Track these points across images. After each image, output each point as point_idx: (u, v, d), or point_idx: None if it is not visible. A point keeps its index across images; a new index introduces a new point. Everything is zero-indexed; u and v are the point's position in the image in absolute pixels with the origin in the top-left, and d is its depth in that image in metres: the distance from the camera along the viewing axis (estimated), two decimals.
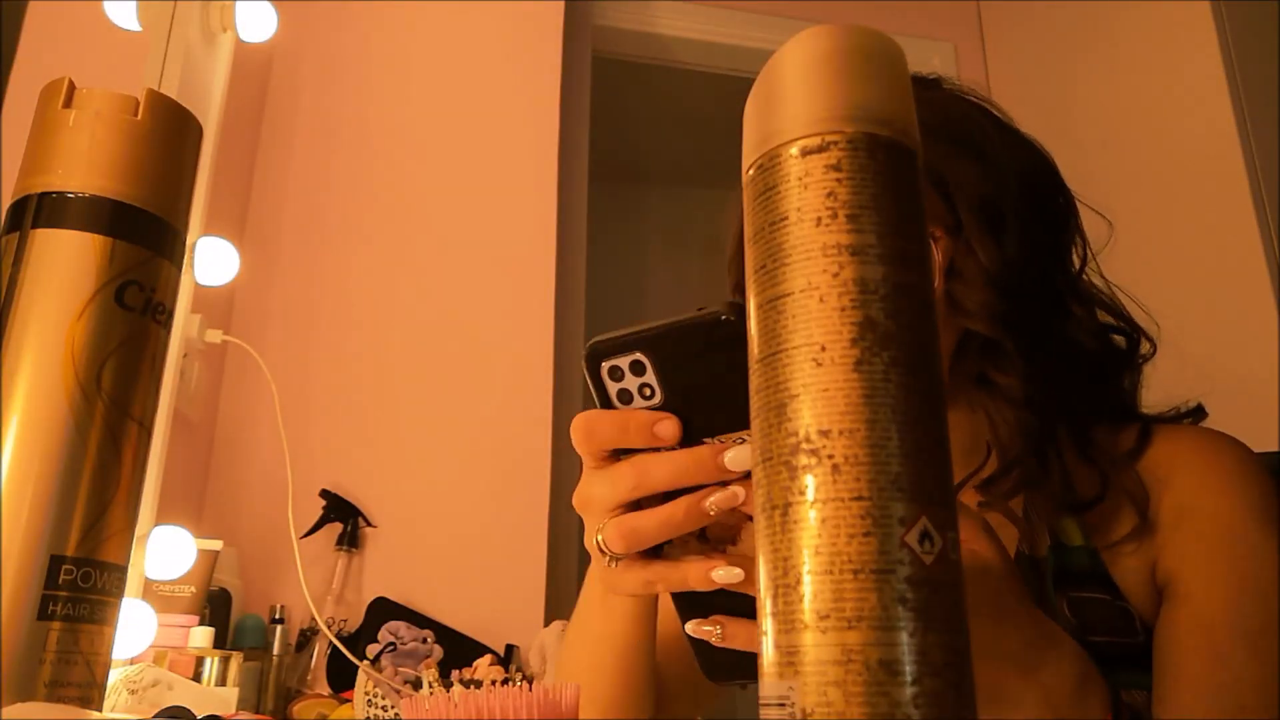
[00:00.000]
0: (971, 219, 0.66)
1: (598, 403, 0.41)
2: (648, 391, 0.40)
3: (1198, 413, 0.71)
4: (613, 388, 0.40)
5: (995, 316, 0.65)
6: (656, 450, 0.40)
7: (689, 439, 0.40)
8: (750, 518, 0.40)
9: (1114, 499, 0.64)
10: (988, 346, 0.67)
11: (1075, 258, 0.72)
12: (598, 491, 0.41)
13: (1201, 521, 0.62)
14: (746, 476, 0.38)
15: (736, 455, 0.38)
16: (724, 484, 0.39)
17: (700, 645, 0.43)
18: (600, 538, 0.41)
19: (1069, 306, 0.71)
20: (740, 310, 0.36)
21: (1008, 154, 0.70)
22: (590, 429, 0.41)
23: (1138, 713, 0.47)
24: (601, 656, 0.59)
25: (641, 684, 0.60)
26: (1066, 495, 0.64)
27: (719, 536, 0.42)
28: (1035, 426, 0.65)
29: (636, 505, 0.41)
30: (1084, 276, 0.72)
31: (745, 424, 0.35)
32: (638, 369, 0.39)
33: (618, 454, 0.41)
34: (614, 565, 0.42)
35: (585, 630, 0.61)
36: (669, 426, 0.39)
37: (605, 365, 0.39)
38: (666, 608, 0.55)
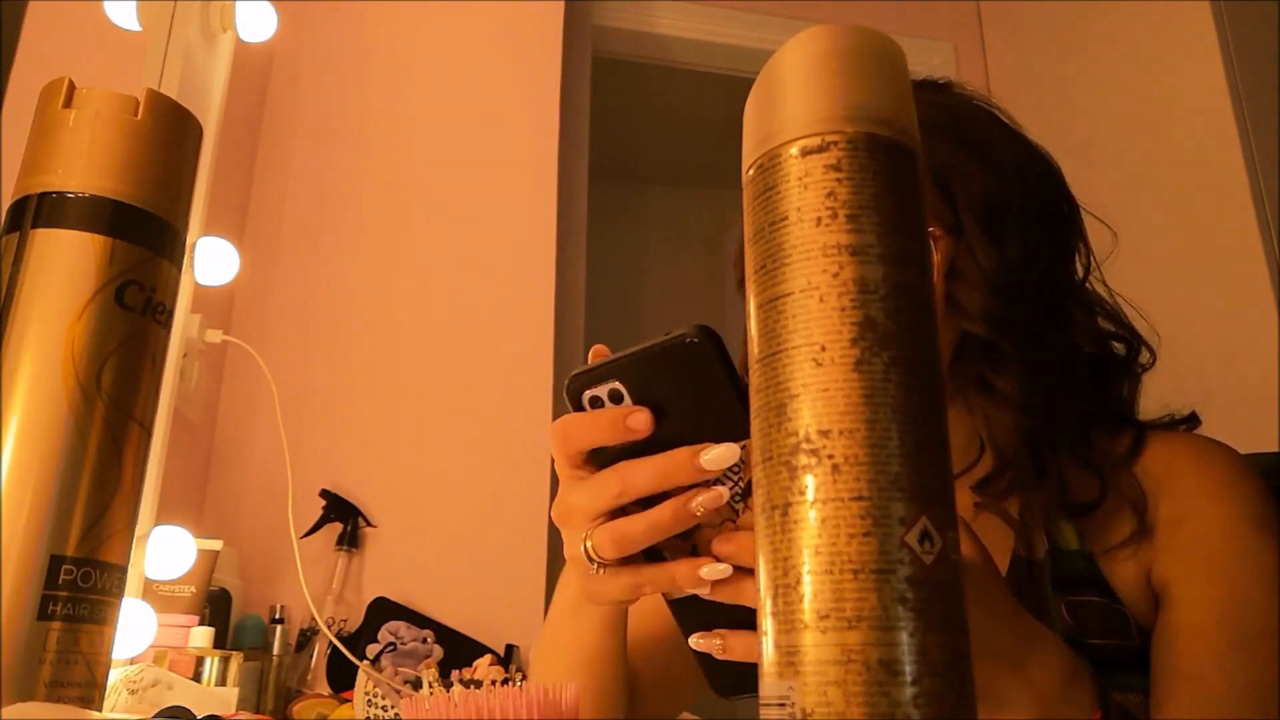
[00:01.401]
0: (972, 221, 0.67)
1: None
2: None
3: (1191, 420, 0.72)
4: None
5: (994, 318, 0.66)
6: (628, 445, 0.41)
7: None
8: (735, 523, 0.40)
9: (1111, 503, 0.64)
10: (987, 348, 0.67)
11: (1079, 265, 0.73)
12: (580, 500, 0.42)
13: (1196, 527, 0.62)
14: (728, 475, 0.39)
15: (714, 455, 0.39)
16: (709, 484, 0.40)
17: (706, 660, 0.43)
18: (589, 544, 0.42)
19: (1070, 311, 0.71)
20: (704, 332, 0.38)
21: (1013, 159, 0.71)
22: (566, 432, 0.42)
23: (1127, 710, 0.48)
24: (573, 665, 0.60)
25: (614, 690, 0.61)
26: (1064, 498, 0.65)
27: (707, 547, 0.42)
28: (1031, 430, 0.65)
29: (616, 514, 0.42)
30: (1087, 284, 0.73)
31: (722, 437, 0.38)
32: (616, 397, 0.41)
33: (596, 465, 0.42)
34: (600, 572, 0.42)
35: (556, 639, 0.61)
36: (641, 418, 0.40)
37: (586, 395, 0.41)
38: (641, 610, 0.55)
